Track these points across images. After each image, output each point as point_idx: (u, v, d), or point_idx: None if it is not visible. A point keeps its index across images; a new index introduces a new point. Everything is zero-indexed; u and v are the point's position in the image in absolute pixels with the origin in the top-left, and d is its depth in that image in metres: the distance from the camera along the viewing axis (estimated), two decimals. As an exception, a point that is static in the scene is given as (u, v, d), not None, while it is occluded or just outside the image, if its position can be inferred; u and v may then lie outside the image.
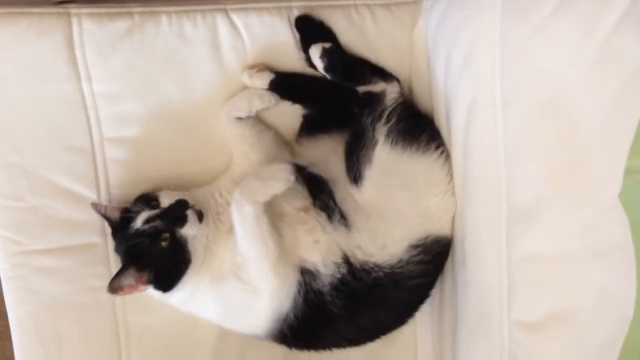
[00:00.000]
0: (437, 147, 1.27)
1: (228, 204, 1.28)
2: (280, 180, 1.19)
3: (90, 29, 1.27)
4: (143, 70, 1.30)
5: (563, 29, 0.95)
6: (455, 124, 1.22)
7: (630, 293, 0.94)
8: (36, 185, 1.31)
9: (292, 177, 1.19)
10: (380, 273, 1.23)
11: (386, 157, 1.24)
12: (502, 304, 1.13)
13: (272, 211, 1.22)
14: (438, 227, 1.27)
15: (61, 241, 1.34)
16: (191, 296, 1.25)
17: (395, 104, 1.27)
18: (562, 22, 0.95)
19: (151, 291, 1.22)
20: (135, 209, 1.22)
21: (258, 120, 1.37)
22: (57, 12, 1.26)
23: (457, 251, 1.28)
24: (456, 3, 1.22)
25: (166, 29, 1.29)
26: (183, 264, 1.20)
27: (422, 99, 1.37)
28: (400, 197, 1.25)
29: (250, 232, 1.18)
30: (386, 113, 1.26)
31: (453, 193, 1.27)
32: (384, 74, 1.32)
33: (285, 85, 1.34)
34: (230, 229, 1.23)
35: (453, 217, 1.28)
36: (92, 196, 1.33)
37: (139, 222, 1.20)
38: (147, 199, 1.24)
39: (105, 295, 1.33)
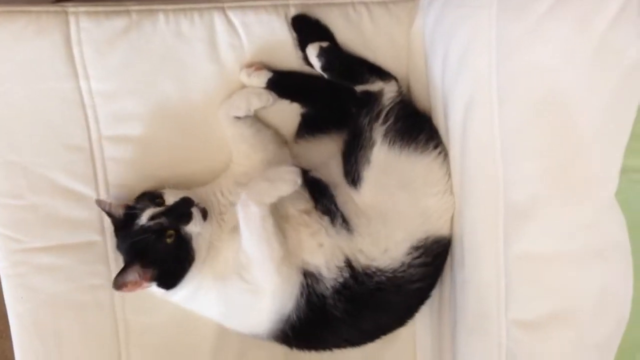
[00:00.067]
0: (436, 147, 1.27)
1: (230, 203, 1.28)
2: (287, 182, 1.19)
3: (87, 27, 1.27)
4: (140, 69, 1.30)
5: (558, 27, 0.94)
6: (452, 122, 1.22)
7: (627, 292, 0.94)
8: (35, 184, 1.31)
9: (299, 180, 1.20)
10: (383, 277, 1.23)
11: (384, 158, 1.24)
12: (499, 303, 1.13)
13: (276, 213, 1.22)
14: (437, 227, 1.27)
15: (60, 239, 1.34)
16: (194, 294, 1.25)
17: (392, 104, 1.27)
18: (558, 20, 0.94)
19: (154, 289, 1.22)
20: (140, 206, 1.22)
21: (257, 119, 1.37)
22: (54, 10, 1.27)
23: (456, 250, 1.28)
24: (453, 1, 1.21)
25: (163, 27, 1.29)
26: (187, 262, 1.20)
27: (420, 98, 1.37)
28: (399, 197, 1.24)
29: (255, 233, 1.18)
30: (384, 113, 1.26)
31: (451, 192, 1.27)
32: (381, 73, 1.31)
33: (283, 83, 1.34)
34: (233, 229, 1.23)
35: (452, 217, 1.28)
36: (91, 194, 1.33)
37: (144, 219, 1.20)
38: (152, 197, 1.24)
39: (105, 294, 1.36)
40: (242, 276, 1.22)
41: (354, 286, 1.23)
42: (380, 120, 1.25)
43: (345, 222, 1.25)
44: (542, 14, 0.96)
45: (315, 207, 1.28)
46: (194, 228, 1.20)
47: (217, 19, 1.31)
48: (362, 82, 1.29)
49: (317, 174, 1.30)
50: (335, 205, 1.26)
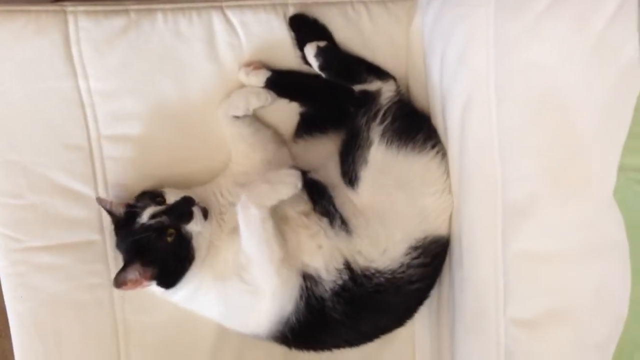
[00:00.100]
0: (433, 146, 1.27)
1: (230, 203, 1.28)
2: (288, 185, 1.19)
3: (86, 27, 1.27)
4: (139, 68, 1.30)
5: (556, 25, 0.94)
6: (451, 120, 1.22)
7: (625, 291, 0.93)
8: (35, 183, 1.32)
9: (299, 183, 1.20)
10: (382, 279, 1.23)
11: (381, 158, 1.24)
12: (497, 302, 1.13)
13: (275, 214, 1.22)
14: (435, 226, 1.27)
15: (60, 238, 1.35)
16: (194, 294, 1.26)
17: (390, 103, 1.27)
18: (555, 19, 0.94)
19: (153, 288, 1.22)
20: (141, 204, 1.22)
21: (255, 118, 1.37)
22: (53, 9, 1.27)
23: (454, 249, 1.28)
24: (452, 0, 1.21)
25: (162, 27, 1.29)
26: (187, 261, 1.20)
27: (418, 97, 1.37)
28: (397, 197, 1.24)
29: (255, 235, 1.18)
30: (381, 112, 1.26)
31: (449, 192, 1.27)
32: (379, 73, 1.31)
33: (281, 83, 1.34)
34: (233, 229, 1.23)
35: (450, 217, 1.28)
36: (90, 193, 1.33)
37: (145, 217, 1.20)
38: (153, 195, 1.24)
39: (105, 293, 1.36)
40: (241, 277, 1.22)
41: (353, 288, 1.23)
42: (378, 120, 1.25)
43: (344, 223, 1.25)
44: (539, 12, 0.96)
45: (314, 209, 1.28)
46: (195, 227, 1.21)
47: (216, 18, 1.31)
48: (360, 82, 1.29)
49: (316, 175, 1.30)
50: (334, 206, 1.26)
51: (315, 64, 1.28)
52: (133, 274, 1.17)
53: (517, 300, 1.10)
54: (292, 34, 1.33)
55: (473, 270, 1.20)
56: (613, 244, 0.93)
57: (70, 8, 1.27)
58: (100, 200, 1.28)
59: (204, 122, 1.35)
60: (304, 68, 1.34)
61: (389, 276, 1.23)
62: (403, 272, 1.24)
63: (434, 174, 1.26)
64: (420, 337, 1.47)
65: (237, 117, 1.33)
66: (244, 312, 1.28)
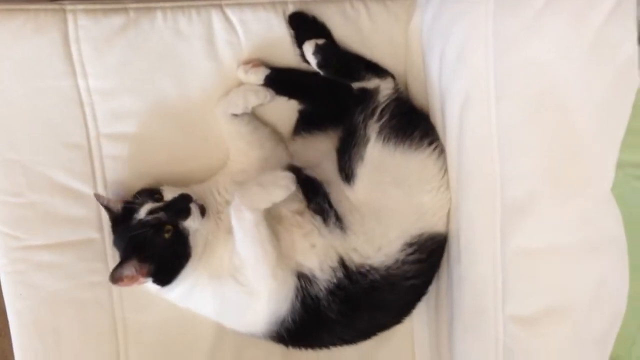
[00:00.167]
0: (430, 143, 1.27)
1: (227, 202, 1.28)
2: (281, 187, 1.19)
3: (85, 25, 1.27)
4: (138, 66, 1.30)
5: (554, 22, 0.95)
6: (450, 118, 1.22)
7: (623, 286, 0.94)
8: (34, 181, 1.32)
9: (293, 186, 1.19)
10: (377, 275, 1.23)
11: (378, 155, 1.24)
12: (496, 299, 1.13)
13: (269, 214, 1.22)
14: (432, 223, 1.27)
15: (59, 236, 1.34)
16: (190, 292, 1.26)
17: (388, 101, 1.27)
18: (554, 16, 0.95)
19: (149, 285, 1.22)
20: (139, 201, 1.23)
21: (254, 116, 1.38)
22: (52, 8, 1.27)
23: (452, 246, 1.28)
24: (452, -4, 1.22)
25: (161, 25, 1.29)
26: (183, 258, 1.20)
27: (417, 95, 1.37)
28: (393, 194, 1.24)
29: (249, 237, 1.18)
30: (379, 110, 1.26)
31: (447, 189, 1.27)
32: (378, 70, 1.32)
33: (280, 80, 1.34)
34: (230, 228, 1.22)
35: (447, 214, 1.28)
36: (89, 192, 1.33)
37: (142, 213, 1.20)
38: (150, 192, 1.25)
39: (104, 291, 1.36)
40: (236, 278, 1.22)
41: (348, 286, 1.23)
42: (375, 117, 1.25)
43: (339, 220, 1.25)
44: (538, 9, 0.96)
45: (308, 207, 1.28)
46: (192, 224, 1.21)
47: (215, 17, 1.31)
48: (359, 79, 1.29)
49: (312, 172, 1.30)
50: (329, 203, 1.26)
51: (313, 61, 1.28)
52: (129, 270, 1.17)
53: (516, 297, 1.10)
54: (291, 31, 1.33)
55: (472, 268, 1.20)
56: (611, 239, 0.94)
57: (69, 7, 1.27)
58: (97, 197, 1.28)
59: (203, 120, 1.35)
60: (303, 66, 1.35)
61: (384, 273, 1.23)
62: (398, 268, 1.24)
63: (430, 171, 1.26)
64: (419, 334, 1.47)
65: (235, 115, 1.33)
66: (239, 311, 1.28)
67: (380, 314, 1.32)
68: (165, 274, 1.21)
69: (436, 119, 1.30)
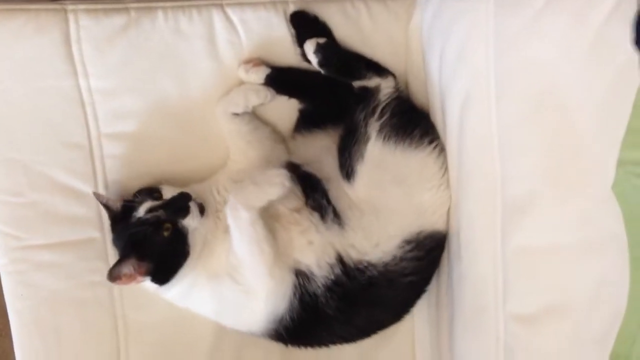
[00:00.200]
0: (431, 142, 1.27)
1: (225, 201, 1.27)
2: (275, 185, 1.19)
3: (86, 25, 1.27)
4: (139, 66, 1.31)
5: (554, 21, 0.95)
6: (450, 117, 1.22)
7: (624, 284, 0.94)
8: (35, 181, 1.32)
9: (287, 183, 1.19)
10: (374, 272, 1.24)
11: (378, 153, 1.24)
12: (497, 297, 1.13)
13: (266, 212, 1.22)
14: (431, 222, 1.27)
15: (60, 236, 1.34)
16: (188, 292, 1.26)
17: (389, 99, 1.27)
18: (554, 15, 0.95)
19: (147, 284, 1.22)
20: (138, 199, 1.23)
21: (254, 116, 1.38)
22: (53, 8, 1.27)
23: (452, 245, 1.28)
24: (452, -5, 1.22)
25: (162, 25, 1.30)
26: (182, 256, 1.20)
27: (418, 94, 1.37)
28: (393, 192, 1.25)
29: (245, 236, 1.18)
30: (379, 108, 1.26)
31: (447, 188, 1.27)
32: (378, 69, 1.32)
33: (281, 79, 1.34)
34: (228, 227, 1.23)
35: (447, 212, 1.28)
36: (90, 192, 1.33)
37: (141, 211, 1.20)
38: (150, 191, 1.25)
39: (104, 290, 1.36)
40: (233, 277, 1.22)
41: (346, 282, 1.23)
42: (376, 116, 1.26)
43: (337, 216, 1.25)
44: (538, 9, 0.97)
45: (306, 203, 1.28)
46: (191, 222, 1.21)
47: (216, 16, 1.32)
48: (359, 78, 1.29)
49: (310, 168, 1.31)
50: (327, 199, 1.26)
51: (314, 60, 1.29)
52: (128, 268, 1.17)
53: (517, 296, 1.11)
54: (293, 30, 1.34)
55: (472, 267, 1.20)
56: (612, 237, 0.94)
57: (70, 6, 1.27)
58: (97, 196, 1.29)
59: (204, 119, 1.36)
60: (304, 65, 1.35)
61: (382, 269, 1.24)
62: (396, 264, 1.24)
63: (430, 170, 1.27)
64: (419, 332, 1.47)
65: (236, 114, 1.33)
66: (237, 310, 1.28)
67: (379, 311, 1.32)
68: (163, 272, 1.21)
69: (436, 118, 1.30)
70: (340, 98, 1.33)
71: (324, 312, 1.25)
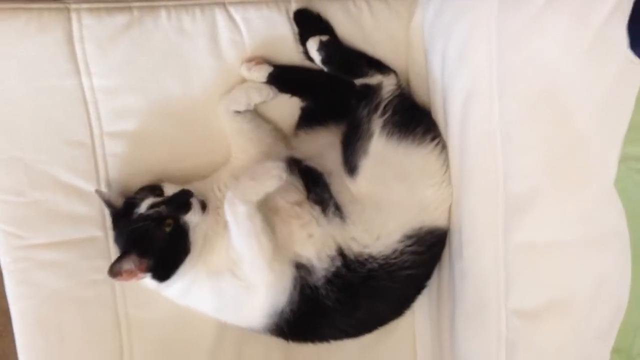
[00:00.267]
0: (433, 139, 1.28)
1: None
2: (272, 177, 1.18)
3: (89, 24, 1.27)
4: (142, 65, 1.31)
5: (557, 19, 0.95)
6: (452, 115, 1.23)
7: (625, 280, 0.94)
8: (37, 180, 1.31)
9: (284, 175, 1.19)
10: (375, 264, 1.24)
11: (382, 149, 1.25)
12: (499, 293, 1.14)
13: (266, 206, 1.22)
14: (433, 218, 1.28)
15: (62, 235, 1.34)
16: (188, 289, 1.26)
17: (391, 97, 1.28)
18: (556, 13, 0.95)
19: (147, 281, 1.22)
20: (140, 196, 1.23)
21: (256, 114, 1.38)
22: (56, 7, 1.27)
23: (454, 241, 1.29)
24: (453, -6, 1.23)
25: (165, 23, 1.30)
26: (183, 252, 1.20)
27: (419, 91, 1.38)
28: (395, 188, 1.25)
29: (244, 231, 1.18)
30: (382, 105, 1.27)
31: (449, 184, 1.28)
32: (381, 67, 1.32)
33: (283, 78, 1.35)
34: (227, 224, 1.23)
35: (449, 208, 1.29)
36: (92, 190, 1.33)
37: (143, 207, 1.21)
38: (151, 189, 1.25)
39: (107, 289, 1.36)
40: (233, 272, 1.22)
41: (346, 275, 1.24)
42: (379, 113, 1.26)
43: (339, 210, 1.26)
44: (541, 6, 0.97)
45: (308, 197, 1.28)
46: (193, 218, 1.21)
47: (219, 15, 1.32)
48: (362, 76, 1.30)
49: (312, 162, 1.31)
50: (329, 193, 1.27)
51: (317, 57, 1.29)
52: (129, 264, 1.17)
53: (519, 291, 1.11)
54: (296, 28, 1.34)
55: (474, 262, 1.21)
56: (614, 233, 0.94)
57: (73, 5, 1.27)
58: (98, 192, 1.29)
59: (206, 118, 1.36)
60: (306, 63, 1.35)
61: (382, 262, 1.24)
62: (396, 257, 1.25)
63: (433, 166, 1.27)
64: (420, 328, 1.48)
65: (238, 112, 1.34)
66: (238, 305, 1.28)
67: (379, 303, 1.32)
68: (164, 269, 1.21)
69: (438, 116, 1.31)
70: (342, 96, 1.34)
71: (325, 304, 1.25)
